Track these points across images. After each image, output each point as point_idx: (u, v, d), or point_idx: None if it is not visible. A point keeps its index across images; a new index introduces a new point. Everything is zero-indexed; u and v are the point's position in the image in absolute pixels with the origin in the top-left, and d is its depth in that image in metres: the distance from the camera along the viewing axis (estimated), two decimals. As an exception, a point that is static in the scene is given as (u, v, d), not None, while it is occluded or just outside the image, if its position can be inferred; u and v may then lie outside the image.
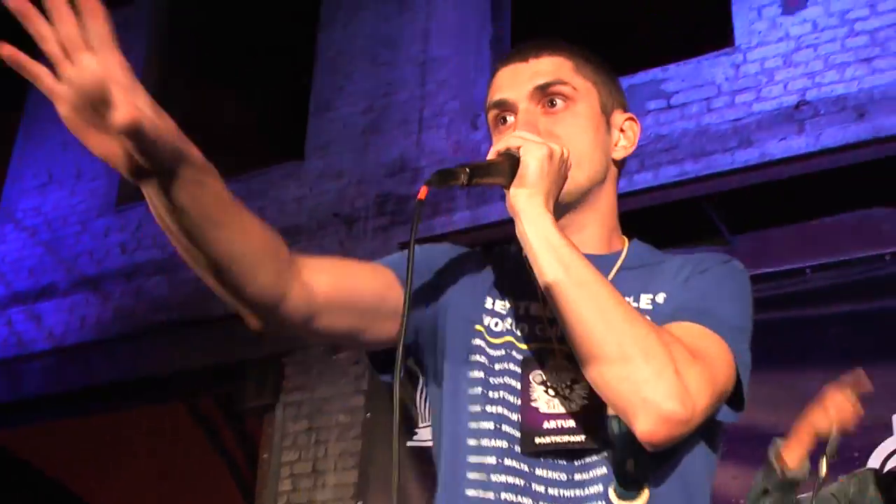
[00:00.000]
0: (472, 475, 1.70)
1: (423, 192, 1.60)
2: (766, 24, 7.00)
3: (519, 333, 1.77)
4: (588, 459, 1.66)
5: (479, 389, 1.74)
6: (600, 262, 1.70)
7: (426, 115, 8.12)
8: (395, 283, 1.76)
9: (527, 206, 1.65)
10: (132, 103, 1.25)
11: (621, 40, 7.91)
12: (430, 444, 6.34)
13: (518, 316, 1.79)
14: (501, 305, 1.82)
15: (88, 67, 1.24)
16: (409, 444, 6.83)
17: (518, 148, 1.65)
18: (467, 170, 1.61)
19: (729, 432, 5.43)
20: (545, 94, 1.80)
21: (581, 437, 1.66)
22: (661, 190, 6.64)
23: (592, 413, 1.67)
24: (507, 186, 1.66)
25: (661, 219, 6.09)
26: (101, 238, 9.12)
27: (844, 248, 6.15)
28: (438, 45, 8.35)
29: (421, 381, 1.88)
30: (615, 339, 1.54)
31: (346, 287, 1.71)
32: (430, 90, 8.18)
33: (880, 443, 5.45)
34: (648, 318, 1.64)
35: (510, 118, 1.81)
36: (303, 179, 8.49)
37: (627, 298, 1.66)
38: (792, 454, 3.44)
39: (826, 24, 6.77)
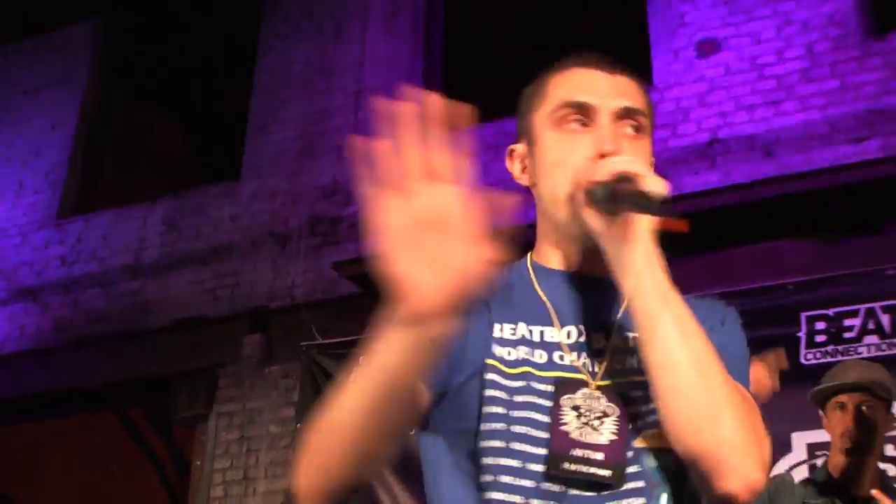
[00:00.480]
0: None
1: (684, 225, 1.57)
2: (683, 65, 7.36)
3: (538, 361, 1.67)
4: (622, 489, 1.60)
5: (499, 425, 1.61)
6: (610, 288, 1.68)
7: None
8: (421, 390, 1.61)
9: (646, 239, 1.62)
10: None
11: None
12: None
13: (533, 343, 1.69)
14: (511, 332, 1.70)
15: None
16: None
17: (641, 177, 1.60)
18: (627, 187, 1.58)
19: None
20: (627, 117, 1.72)
21: (608, 472, 1.59)
22: (581, 218, 6.95)
23: (619, 449, 1.60)
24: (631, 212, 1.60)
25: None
26: (41, 250, 9.20)
27: (751, 278, 6.33)
28: (372, 74, 8.58)
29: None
30: (712, 397, 1.53)
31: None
32: (364, 118, 8.39)
33: (780, 459, 5.72)
34: None
35: (583, 124, 1.71)
36: (238, 199, 8.66)
37: None
38: None
39: (738, 67, 7.16)
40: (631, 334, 1.68)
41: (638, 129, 1.73)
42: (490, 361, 1.65)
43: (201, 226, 8.64)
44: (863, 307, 5.95)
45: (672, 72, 7.41)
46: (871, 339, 5.87)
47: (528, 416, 1.61)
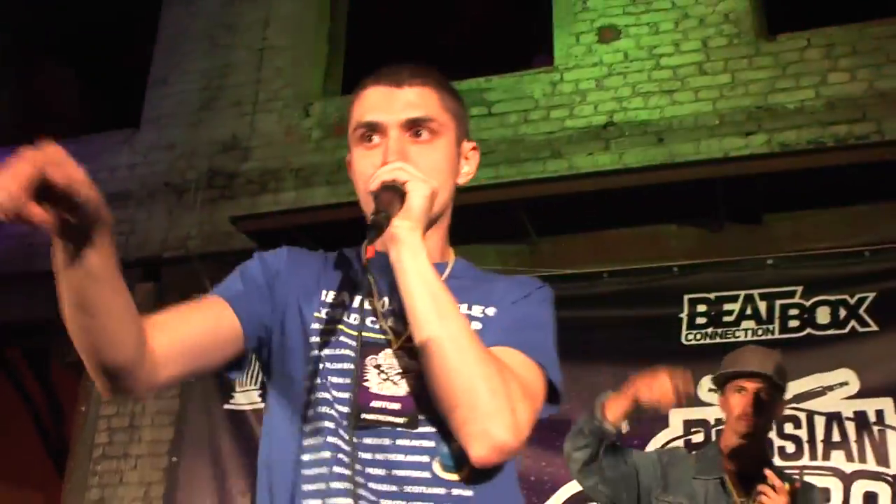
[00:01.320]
0: (307, 443, 1.87)
1: (370, 252, 1.79)
2: (583, 49, 7.59)
3: (354, 323, 1.91)
4: (413, 432, 1.84)
5: (318, 380, 1.87)
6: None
7: (260, 98, 8.41)
8: (225, 310, 1.92)
9: (409, 238, 1.83)
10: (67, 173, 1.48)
11: (451, 48, 8.37)
12: (246, 407, 6.74)
13: (352, 308, 1.94)
14: (335, 297, 1.96)
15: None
16: (226, 406, 7.07)
17: (405, 183, 1.84)
18: (384, 215, 1.80)
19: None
20: (414, 127, 1.95)
21: (403, 420, 1.84)
22: (478, 190, 7.06)
23: (418, 401, 1.85)
24: (391, 216, 1.83)
25: (476, 217, 6.29)
26: (-72, 189, 8.96)
27: (638, 259, 6.64)
28: (276, 34, 8.65)
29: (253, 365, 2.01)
30: (469, 374, 1.77)
31: (179, 337, 1.85)
32: (266, 76, 8.48)
33: (659, 433, 6.04)
34: (480, 324, 1.93)
35: (376, 138, 1.95)
36: (136, 148, 8.65)
37: (461, 305, 1.91)
38: (614, 409, 3.84)
39: (636, 55, 7.43)
40: None
41: (429, 132, 1.97)
42: (314, 320, 1.93)
43: (97, 172, 8.50)
44: (742, 293, 6.28)
45: (572, 54, 7.61)
46: (749, 323, 6.21)
47: (340, 367, 1.88)
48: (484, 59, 8.02)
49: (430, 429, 1.84)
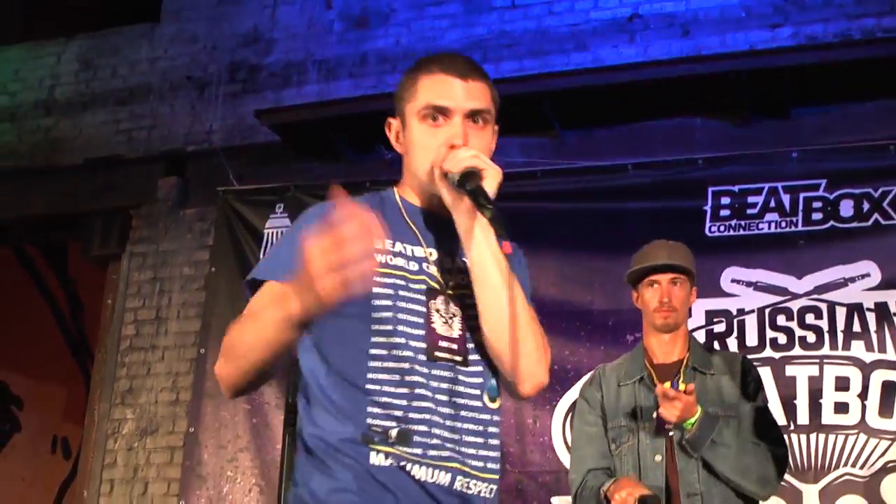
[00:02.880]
0: (379, 376, 2.19)
1: (508, 248, 2.28)
2: (609, -61, 7.51)
3: (412, 269, 2.28)
4: (468, 369, 2.27)
5: (387, 314, 2.21)
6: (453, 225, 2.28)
7: (282, -11, 8.36)
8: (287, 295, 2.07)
9: (482, 218, 2.19)
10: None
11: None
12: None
13: (406, 256, 2.30)
14: (390, 245, 2.28)
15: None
16: None
17: (482, 170, 2.19)
18: (493, 206, 2.16)
19: (548, 307, 6.09)
20: (474, 115, 2.31)
21: (459, 357, 2.27)
22: (502, 83, 7.04)
23: (464, 341, 2.28)
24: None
25: (500, 110, 6.48)
26: (-48, 83, 9.00)
27: (663, 151, 6.63)
28: (300, -74, 8.51)
29: None
30: (528, 329, 2.24)
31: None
32: (289, -30, 8.41)
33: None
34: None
35: (441, 119, 2.29)
36: (156, 41, 8.61)
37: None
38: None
39: (663, -52, 7.33)
40: (466, 261, 2.29)
41: (483, 121, 2.33)
42: (377, 266, 2.19)
43: (118, 66, 8.58)
44: (766, 185, 6.28)
45: (597, -55, 7.52)
46: (772, 216, 6.22)
47: (409, 307, 2.25)
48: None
49: (477, 367, 2.29)
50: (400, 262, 2.28)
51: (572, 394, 5.95)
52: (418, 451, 2.15)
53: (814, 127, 6.55)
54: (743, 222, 6.27)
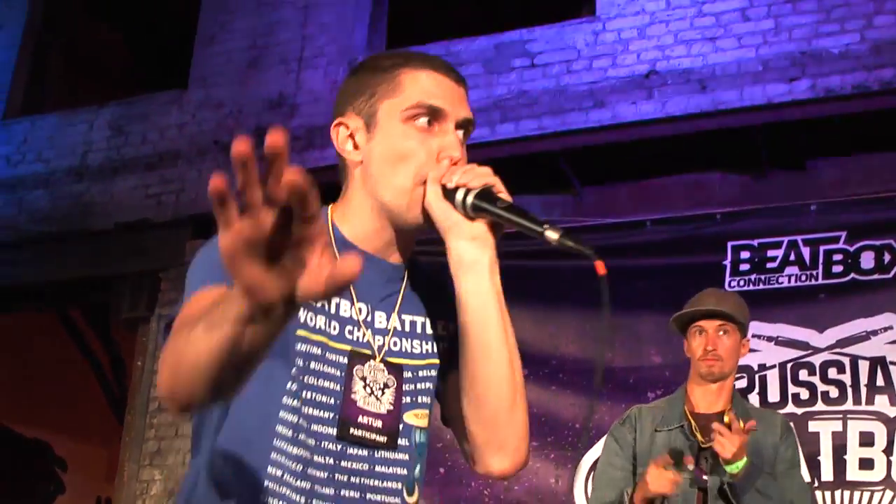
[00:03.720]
0: (281, 462, 1.73)
1: (601, 268, 1.68)
2: (626, -3, 7.57)
3: (333, 332, 1.81)
4: (389, 457, 1.82)
5: (295, 386, 1.75)
6: (395, 272, 1.88)
7: (306, 55, 8.46)
8: None
9: (494, 249, 1.81)
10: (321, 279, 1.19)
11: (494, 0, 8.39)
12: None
13: (329, 314, 1.81)
14: (314, 302, 1.71)
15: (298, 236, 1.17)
16: None
17: (500, 193, 1.77)
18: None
19: (567, 364, 6.07)
20: (465, 126, 1.88)
21: (384, 438, 1.82)
22: (521, 142, 7.12)
23: (395, 419, 1.84)
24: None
25: (520, 168, 6.51)
26: (-13, 150, 9.19)
27: (681, 207, 6.65)
28: (320, -11, 8.66)
29: None
30: (519, 393, 1.83)
31: None
32: (311, 32, 8.51)
33: None
34: (447, 344, 1.91)
35: (434, 124, 1.83)
36: (184, 107, 8.75)
37: (425, 320, 1.92)
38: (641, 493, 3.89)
39: (678, 3, 7.36)
40: (408, 318, 1.90)
41: (466, 133, 1.89)
42: (298, 329, 1.77)
43: (147, 132, 8.74)
44: (786, 239, 6.26)
45: (614, 3, 7.56)
46: (792, 269, 6.20)
47: (320, 383, 1.77)
48: (526, 10, 8.00)
49: (403, 455, 1.85)
50: (318, 321, 1.80)
51: (594, 453, 5.92)
52: None
53: (832, 179, 6.55)
54: (763, 276, 6.24)
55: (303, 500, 1.73)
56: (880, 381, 5.81)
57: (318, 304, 1.81)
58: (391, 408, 1.85)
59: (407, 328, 1.90)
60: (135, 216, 8.47)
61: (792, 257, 6.24)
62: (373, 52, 8.36)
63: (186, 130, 8.65)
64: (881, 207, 6.21)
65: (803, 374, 5.96)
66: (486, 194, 1.74)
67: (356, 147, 1.86)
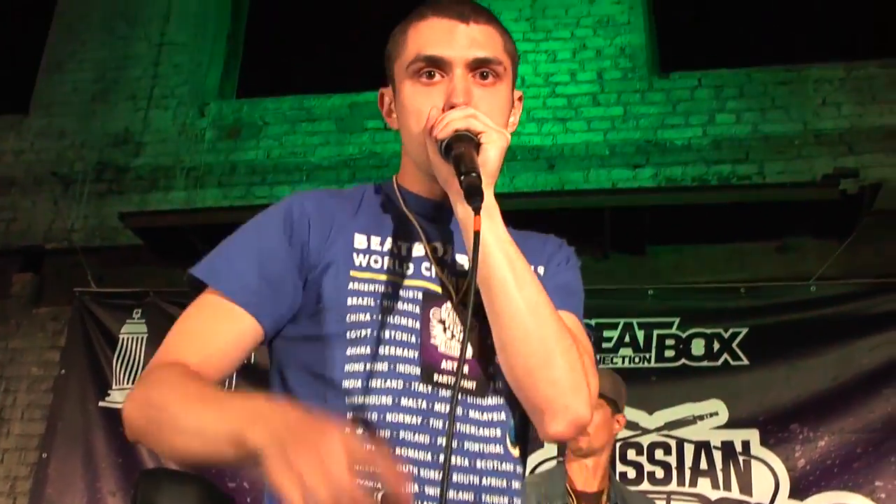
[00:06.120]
0: (358, 414, 1.65)
1: (478, 224, 1.58)
2: (481, 72, 7.68)
3: (406, 272, 1.75)
4: (484, 402, 1.72)
5: (364, 332, 1.69)
6: None
7: (156, 94, 8.30)
8: (245, 320, 1.73)
9: (489, 198, 1.67)
10: None
11: (354, 58, 8.34)
12: (120, 405, 6.60)
13: (401, 255, 1.77)
14: (379, 243, 1.78)
15: None
16: (101, 404, 6.90)
17: (480, 133, 1.68)
18: (476, 176, 1.62)
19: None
20: (480, 67, 1.77)
21: (472, 384, 1.71)
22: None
23: (484, 363, 1.73)
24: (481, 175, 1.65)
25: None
26: None
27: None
28: (176, 30, 8.55)
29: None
30: (550, 346, 1.65)
31: (224, 373, 1.72)
32: (163, 71, 8.38)
33: (533, 453, 6.05)
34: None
35: (437, 75, 1.77)
36: (24, 134, 8.46)
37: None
38: None
39: (532, 81, 7.53)
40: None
41: (494, 76, 1.79)
42: (354, 271, 1.74)
43: (-19, 156, 8.43)
44: (622, 321, 6.43)
45: (470, 76, 7.66)
46: (626, 351, 6.36)
47: (396, 321, 1.70)
48: (382, 72, 7.99)
49: (497, 399, 1.74)
50: (386, 262, 1.75)
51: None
52: None
53: (669, 265, 6.75)
54: (598, 356, 6.36)
55: (393, 444, 1.64)
56: (704, 465, 6.01)
57: (387, 249, 1.78)
58: (477, 349, 1.74)
59: None
60: (-40, 242, 8.12)
61: (627, 339, 6.40)
62: (224, 98, 8.34)
63: (24, 158, 8.35)
64: (713, 296, 6.44)
65: (631, 454, 6.12)
66: (448, 146, 1.68)
67: (390, 115, 1.88)
